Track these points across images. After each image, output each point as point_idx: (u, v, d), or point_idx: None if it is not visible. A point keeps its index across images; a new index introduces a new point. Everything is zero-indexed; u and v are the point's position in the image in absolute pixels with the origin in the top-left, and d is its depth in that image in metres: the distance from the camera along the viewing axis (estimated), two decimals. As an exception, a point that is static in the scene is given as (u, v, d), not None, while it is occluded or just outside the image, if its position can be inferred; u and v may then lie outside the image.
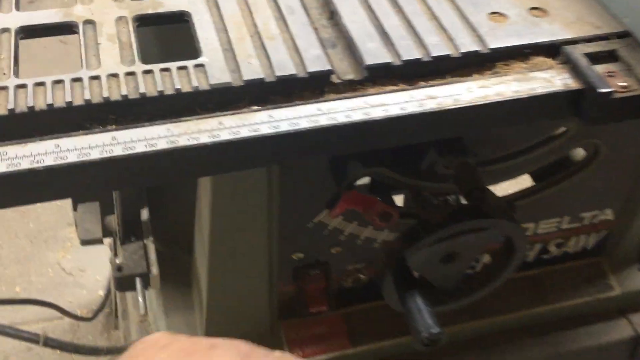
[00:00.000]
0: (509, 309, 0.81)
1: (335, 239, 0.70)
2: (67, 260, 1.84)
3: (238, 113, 0.50)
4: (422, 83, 0.53)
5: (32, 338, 0.77)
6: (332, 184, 0.66)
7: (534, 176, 0.82)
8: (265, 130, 0.49)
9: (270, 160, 0.51)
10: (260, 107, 0.50)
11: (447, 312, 0.68)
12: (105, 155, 0.46)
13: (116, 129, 0.48)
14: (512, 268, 0.65)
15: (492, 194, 0.67)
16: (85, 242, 0.71)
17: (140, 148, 0.47)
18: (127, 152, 0.46)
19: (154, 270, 0.67)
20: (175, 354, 0.43)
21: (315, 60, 0.52)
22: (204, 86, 0.50)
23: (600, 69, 0.55)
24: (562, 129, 0.68)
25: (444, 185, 0.70)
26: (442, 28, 0.56)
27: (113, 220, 0.73)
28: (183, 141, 0.47)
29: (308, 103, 0.51)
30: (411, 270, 0.62)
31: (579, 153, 0.81)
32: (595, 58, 0.56)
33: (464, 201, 0.87)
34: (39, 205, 1.75)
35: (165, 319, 0.74)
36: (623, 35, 0.57)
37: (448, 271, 0.65)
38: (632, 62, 0.55)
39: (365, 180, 0.70)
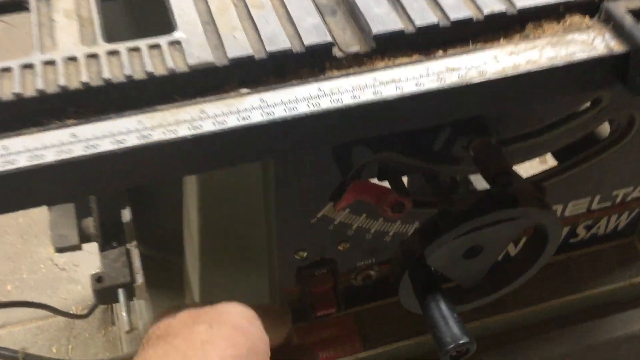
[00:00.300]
0: (533, 300, 0.73)
1: (342, 234, 0.62)
2: (59, 255, 1.77)
3: (223, 98, 0.41)
4: (440, 53, 0.45)
5: (11, 356, 0.70)
6: (336, 174, 0.58)
7: (557, 155, 0.74)
8: (257, 117, 0.41)
9: (264, 154, 0.43)
10: (249, 90, 0.42)
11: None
12: (63, 156, 0.38)
13: (76, 124, 0.40)
14: (544, 260, 0.57)
15: (519, 177, 0.59)
16: (60, 250, 0.63)
17: (105, 146, 0.38)
18: (89, 152, 0.38)
19: (139, 278, 0.59)
20: None
21: (313, 31, 0.44)
22: (182, 67, 0.41)
23: (646, 27, 0.46)
24: (594, 99, 0.60)
25: (462, 168, 0.62)
26: (461, -13, 0.47)
27: (91, 224, 0.65)
28: (158, 135, 0.39)
29: (307, 83, 0.42)
30: (431, 269, 0.54)
31: (604, 128, 0.73)
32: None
33: (476, 183, 0.78)
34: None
35: (156, 329, 0.66)
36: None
37: (471, 267, 0.58)
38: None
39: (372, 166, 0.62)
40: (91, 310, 1.46)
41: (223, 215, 0.53)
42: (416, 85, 0.43)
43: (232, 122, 0.40)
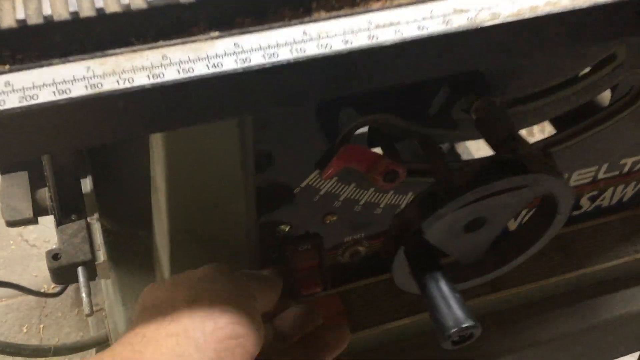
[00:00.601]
0: (533, 277, 0.68)
1: (328, 205, 0.56)
2: (29, 231, 1.69)
3: (190, 42, 0.35)
4: (445, -7, 0.39)
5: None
6: (323, 137, 0.51)
7: (558, 122, 0.69)
8: (230, 65, 0.34)
9: (238, 110, 0.36)
10: (221, 33, 0.35)
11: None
12: (-5, 109, 0.31)
13: (11, 71, 0.33)
14: (553, 232, 0.51)
15: (526, 143, 0.53)
16: (11, 224, 0.56)
17: (45, 96, 0.32)
18: (25, 104, 0.31)
19: (101, 256, 0.53)
20: None
21: (297, -36, 0.37)
22: (139, 4, 0.34)
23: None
24: (608, 56, 0.54)
25: (461, 134, 0.56)
26: None
27: (47, 195, 0.58)
28: (109, 84, 0.32)
29: (289, 25, 0.36)
30: (429, 245, 0.48)
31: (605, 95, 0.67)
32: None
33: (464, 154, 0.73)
34: (-6, 173, 1.60)
35: (123, 311, 0.60)
36: None
37: (472, 241, 0.52)
38: None
39: (361, 130, 0.56)
40: (63, 289, 1.39)
41: (194, 183, 0.46)
42: (418, 28, 0.36)
43: (201, 69, 0.34)
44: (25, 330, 1.49)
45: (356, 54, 0.35)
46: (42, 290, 1.51)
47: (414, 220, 0.46)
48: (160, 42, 0.35)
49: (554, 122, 0.69)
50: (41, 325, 1.50)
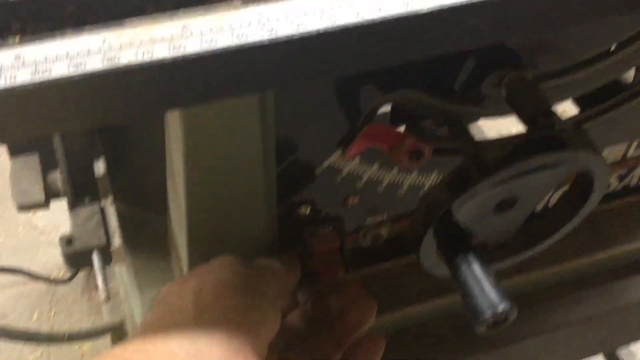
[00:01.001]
0: (559, 259, 0.66)
1: (350, 187, 0.54)
2: (38, 217, 1.68)
3: (213, 11, 0.32)
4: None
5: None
6: (345, 116, 0.49)
7: (584, 99, 0.66)
8: (256, 36, 0.32)
9: (263, 84, 0.34)
10: (245, 2, 0.33)
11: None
12: (8, 83, 0.29)
13: (22, 44, 0.30)
14: (587, 211, 0.49)
15: (560, 119, 0.51)
16: (23, 208, 0.54)
17: (59, 71, 0.29)
18: (37, 79, 0.29)
19: (116, 240, 0.51)
20: None
21: None
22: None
23: None
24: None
25: (490, 110, 0.54)
26: None
27: (59, 177, 0.56)
28: (128, 58, 0.30)
29: (317, -8, 0.33)
30: (459, 225, 0.46)
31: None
32: None
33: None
34: (2, 159, 1.58)
35: (139, 296, 0.58)
36: None
37: (502, 222, 0.50)
38: None
39: (384, 108, 0.54)
40: (73, 275, 1.38)
41: (213, 163, 0.44)
42: (455, -5, 0.34)
43: (225, 41, 0.31)
44: (36, 317, 1.48)
45: (391, 23, 0.33)
46: (52, 277, 1.50)
47: (444, 199, 0.44)
48: (180, 11, 0.32)
49: (580, 101, 0.67)
50: (52, 312, 1.49)
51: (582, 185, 0.48)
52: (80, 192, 0.53)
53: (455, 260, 0.43)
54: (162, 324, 0.38)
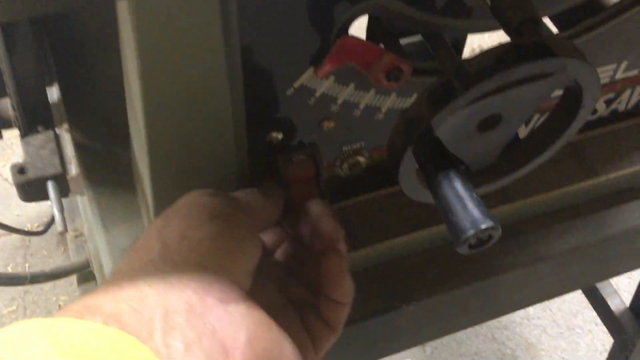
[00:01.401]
0: (545, 187, 0.64)
1: (325, 110, 0.51)
2: (9, 169, 1.64)
3: None
4: None
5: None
6: (318, 29, 0.45)
7: (561, 20, 0.63)
8: None
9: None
10: None
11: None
12: None
13: None
14: (575, 129, 0.46)
15: (547, 28, 0.47)
16: (-30, 139, 0.50)
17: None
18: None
19: (73, 168, 0.47)
20: None
21: None
22: None
23: None
24: None
25: (473, 23, 0.50)
26: None
27: (9, 105, 0.51)
28: None
29: None
30: (440, 143, 0.43)
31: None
32: None
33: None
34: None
35: (104, 234, 0.55)
36: None
37: (485, 142, 0.47)
38: None
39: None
40: (47, 227, 1.34)
41: (171, 77, 0.40)
42: None
43: None
44: (10, 270, 1.45)
45: None
46: (26, 229, 1.47)
47: (424, 114, 0.41)
48: None
49: (558, 22, 0.63)
50: (27, 264, 1.46)
51: (570, 100, 0.45)
52: (33, 120, 0.49)
53: (436, 178, 0.40)
54: (130, 268, 0.36)
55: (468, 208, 0.39)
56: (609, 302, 1.01)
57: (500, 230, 0.39)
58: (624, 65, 0.59)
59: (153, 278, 0.34)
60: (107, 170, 0.54)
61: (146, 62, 0.38)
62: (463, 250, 0.39)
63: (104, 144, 0.52)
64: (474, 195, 0.40)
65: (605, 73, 0.59)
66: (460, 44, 0.82)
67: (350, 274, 0.46)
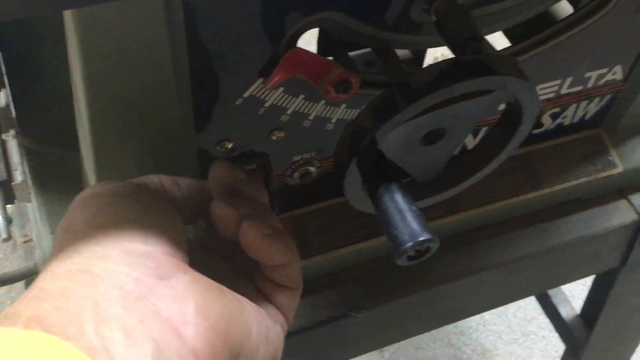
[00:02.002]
0: (493, 198, 0.66)
1: (275, 120, 0.51)
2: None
3: None
4: None
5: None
6: (267, 41, 0.46)
7: (513, 34, 0.65)
8: None
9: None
10: None
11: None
12: None
13: None
14: (516, 143, 0.48)
15: (491, 46, 0.49)
16: None
17: None
18: None
19: (18, 175, 0.47)
20: None
21: None
22: None
23: None
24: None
25: (420, 39, 0.51)
26: None
27: (-46, 110, 0.51)
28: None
29: None
30: (384, 155, 0.44)
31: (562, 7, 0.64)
32: None
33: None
34: None
35: (52, 239, 0.55)
36: None
37: (430, 156, 0.48)
38: None
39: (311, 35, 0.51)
40: (8, 237, 1.32)
41: (119, 92, 0.40)
42: None
43: None
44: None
45: None
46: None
47: (368, 127, 0.42)
48: None
49: (512, 35, 0.65)
50: (-19, 268, 1.43)
51: (511, 116, 0.47)
52: (-22, 125, 0.49)
53: (377, 191, 0.41)
54: (51, 275, 0.33)
55: (407, 221, 0.40)
56: (560, 309, 1.03)
57: (438, 242, 0.40)
58: (568, 81, 0.61)
59: (75, 275, 0.32)
60: (55, 176, 0.53)
61: (91, 70, 0.38)
62: (402, 261, 0.40)
63: (53, 150, 0.52)
64: (414, 208, 0.41)
65: (550, 88, 0.61)
66: (421, 54, 0.84)
67: (276, 237, 0.41)
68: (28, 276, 0.54)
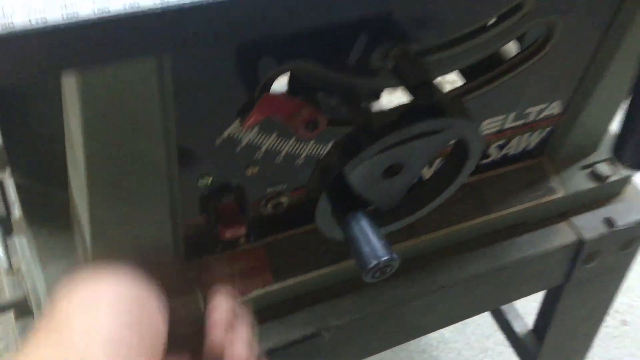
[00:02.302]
0: (447, 223, 0.72)
1: (250, 157, 0.56)
2: None
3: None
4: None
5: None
6: (243, 87, 0.51)
7: (467, 72, 0.72)
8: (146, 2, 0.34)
9: (156, 48, 0.36)
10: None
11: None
12: None
13: None
14: (465, 176, 0.54)
15: (440, 89, 0.55)
16: None
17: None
18: None
19: (17, 211, 0.51)
20: None
21: None
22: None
23: None
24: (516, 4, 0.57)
25: (379, 82, 0.57)
26: None
27: (-49, 151, 0.55)
28: (20, 21, 0.31)
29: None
30: (350, 187, 0.50)
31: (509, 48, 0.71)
32: None
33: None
34: None
35: (42, 271, 0.58)
36: None
37: (390, 187, 0.54)
38: None
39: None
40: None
41: (112, 134, 0.45)
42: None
43: (116, 7, 0.33)
44: None
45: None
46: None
47: (335, 163, 0.47)
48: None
49: (463, 73, 0.72)
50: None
51: (459, 151, 0.53)
52: (-25, 164, 0.53)
53: (345, 218, 0.47)
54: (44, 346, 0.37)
55: (372, 243, 0.45)
56: (514, 325, 1.10)
57: (399, 261, 0.46)
58: (512, 116, 0.68)
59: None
60: (45, 210, 0.57)
61: (89, 119, 0.43)
62: (368, 279, 0.46)
63: (44, 186, 0.56)
64: (377, 232, 0.46)
65: (496, 123, 0.68)
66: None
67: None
68: (17, 306, 0.58)
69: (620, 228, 0.76)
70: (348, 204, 0.48)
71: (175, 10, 0.34)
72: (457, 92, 0.62)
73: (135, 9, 0.33)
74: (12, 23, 0.31)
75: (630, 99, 0.58)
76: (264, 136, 0.55)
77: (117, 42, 0.33)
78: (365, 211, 0.48)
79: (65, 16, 0.32)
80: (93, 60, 0.33)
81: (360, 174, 0.50)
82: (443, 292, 0.71)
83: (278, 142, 0.57)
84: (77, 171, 0.50)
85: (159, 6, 0.34)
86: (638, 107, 0.56)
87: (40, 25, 0.32)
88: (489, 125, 0.68)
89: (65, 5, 0.32)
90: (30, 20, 0.31)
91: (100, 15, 0.33)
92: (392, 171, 0.53)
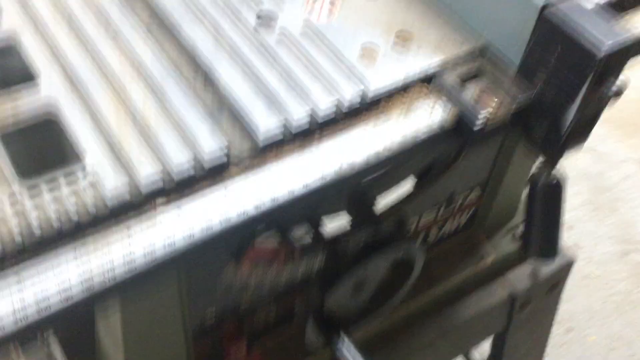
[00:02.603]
0: (405, 298, 0.85)
1: (243, 293, 0.69)
2: None
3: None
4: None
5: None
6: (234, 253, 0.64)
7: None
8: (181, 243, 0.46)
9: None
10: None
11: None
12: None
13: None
14: (413, 280, 0.69)
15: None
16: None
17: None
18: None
19: None
20: None
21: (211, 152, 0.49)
22: (102, 210, 0.45)
23: (471, 90, 0.57)
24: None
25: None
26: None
27: None
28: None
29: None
30: (330, 311, 0.63)
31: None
32: (464, 79, 0.58)
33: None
34: None
35: None
36: (484, 48, 0.61)
37: (358, 299, 0.68)
38: (497, 75, 0.59)
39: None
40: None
41: (145, 330, 0.58)
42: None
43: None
44: None
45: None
46: None
47: (318, 293, 0.61)
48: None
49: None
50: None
51: (405, 266, 0.67)
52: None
53: (333, 342, 0.60)
54: None
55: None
56: None
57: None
58: (442, 208, 0.83)
59: None
60: None
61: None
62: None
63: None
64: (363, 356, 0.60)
65: (433, 212, 0.83)
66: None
67: None
68: None
69: (544, 277, 0.92)
70: (332, 326, 0.61)
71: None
72: (401, 201, 0.76)
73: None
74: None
75: (527, 201, 0.72)
76: (252, 274, 0.68)
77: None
78: (347, 334, 0.61)
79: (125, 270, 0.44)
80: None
81: (336, 297, 0.63)
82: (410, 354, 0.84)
83: (264, 272, 0.69)
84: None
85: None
86: (532, 213, 0.71)
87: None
88: (428, 215, 0.83)
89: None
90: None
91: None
92: (358, 287, 0.66)
